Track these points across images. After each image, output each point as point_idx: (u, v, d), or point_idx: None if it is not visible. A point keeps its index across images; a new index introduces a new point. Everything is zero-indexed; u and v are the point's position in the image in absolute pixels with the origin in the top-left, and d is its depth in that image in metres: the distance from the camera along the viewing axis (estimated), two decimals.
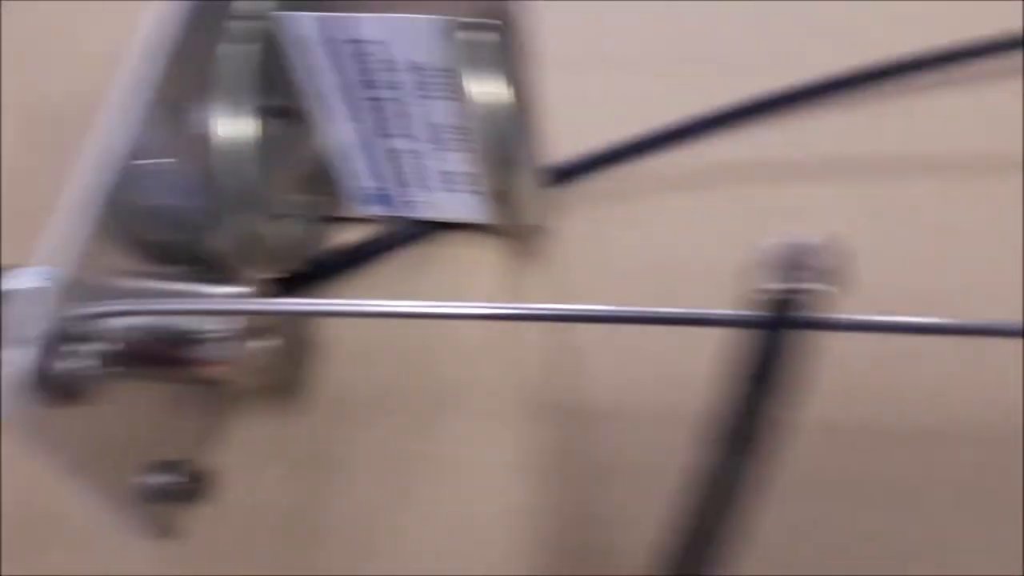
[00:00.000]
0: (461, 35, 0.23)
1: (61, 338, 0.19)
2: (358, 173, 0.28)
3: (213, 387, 0.26)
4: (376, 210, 0.29)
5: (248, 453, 0.26)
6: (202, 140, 0.25)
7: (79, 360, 0.19)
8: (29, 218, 0.31)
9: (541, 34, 0.35)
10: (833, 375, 0.25)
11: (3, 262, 0.23)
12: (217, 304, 0.22)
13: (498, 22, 0.23)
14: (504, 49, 0.24)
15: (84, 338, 0.20)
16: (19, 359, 0.19)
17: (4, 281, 0.23)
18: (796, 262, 0.17)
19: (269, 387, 0.26)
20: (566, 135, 0.32)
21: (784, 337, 0.17)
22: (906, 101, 0.32)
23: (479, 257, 0.30)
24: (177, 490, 0.24)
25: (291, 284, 0.27)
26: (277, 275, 0.26)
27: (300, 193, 0.29)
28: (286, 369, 0.26)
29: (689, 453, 0.25)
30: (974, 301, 0.27)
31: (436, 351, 0.28)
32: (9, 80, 0.36)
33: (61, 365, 0.19)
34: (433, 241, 0.30)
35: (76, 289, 0.20)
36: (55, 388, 0.19)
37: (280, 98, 0.27)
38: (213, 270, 0.26)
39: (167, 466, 0.24)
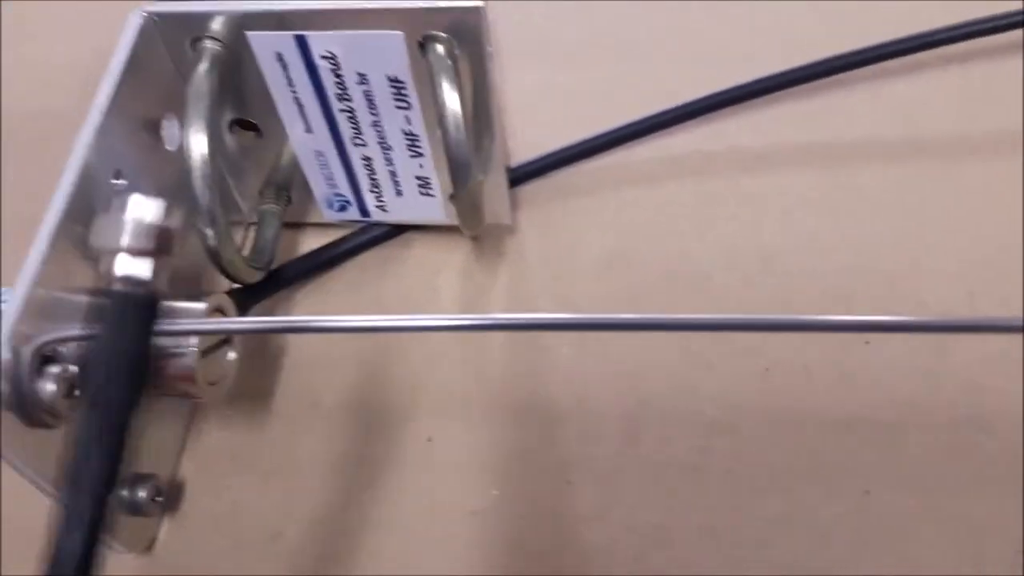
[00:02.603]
0: (431, 47, 0.23)
1: (34, 360, 0.19)
2: (331, 180, 0.28)
3: (179, 399, 0.27)
4: (347, 215, 0.30)
5: (215, 463, 0.27)
6: (171, 155, 0.25)
7: (51, 381, 0.19)
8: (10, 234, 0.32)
9: (505, 31, 0.36)
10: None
11: None
12: (184, 325, 0.22)
13: (465, 33, 0.23)
14: (471, 59, 0.24)
15: (54, 359, 0.20)
16: None
17: None
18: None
19: (235, 396, 0.26)
20: (529, 131, 0.32)
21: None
22: (864, 89, 0.33)
23: (446, 258, 0.30)
24: (148, 503, 0.24)
25: (258, 291, 0.27)
26: (245, 282, 0.26)
27: (264, 202, 0.29)
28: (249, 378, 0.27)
29: (652, 450, 0.26)
30: (935, 285, 0.28)
31: (399, 355, 0.28)
32: None
33: (36, 387, 0.19)
34: (400, 243, 0.31)
35: (41, 309, 0.20)
36: (32, 410, 0.19)
37: (242, 112, 0.27)
38: (189, 283, 0.26)
39: (137, 480, 0.24)
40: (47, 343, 0.19)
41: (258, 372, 0.28)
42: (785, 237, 0.30)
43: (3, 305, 0.20)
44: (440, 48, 0.23)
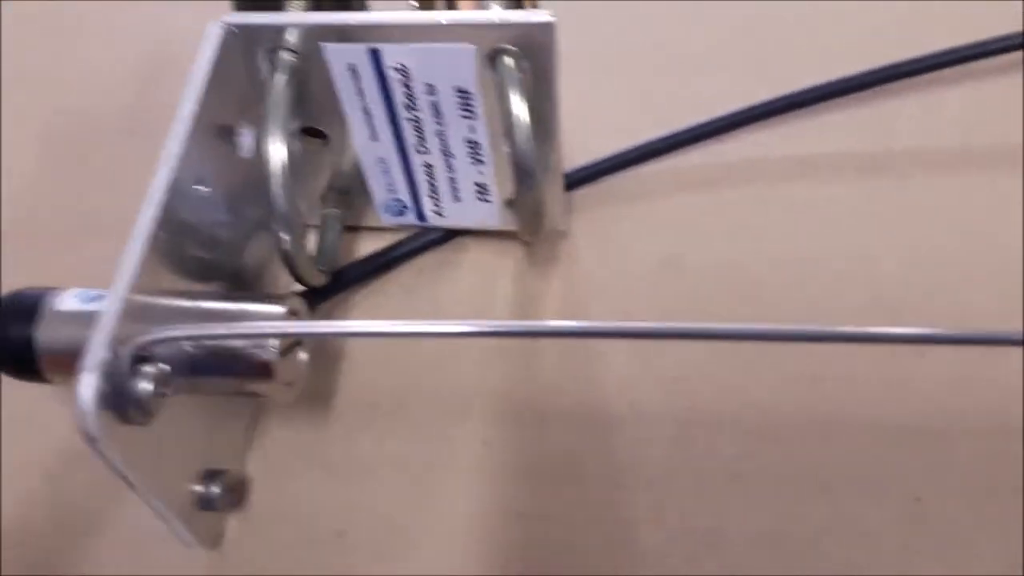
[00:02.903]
0: (500, 60, 0.24)
1: (130, 360, 0.20)
2: (391, 186, 0.29)
3: (248, 397, 0.27)
4: (404, 220, 0.30)
5: (279, 461, 0.27)
6: (246, 162, 0.26)
7: (146, 380, 0.20)
8: (49, 233, 0.33)
9: (561, 36, 0.36)
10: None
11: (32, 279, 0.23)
12: (266, 328, 0.23)
13: (534, 47, 0.24)
14: (537, 70, 0.24)
15: (148, 359, 0.21)
16: (92, 381, 0.19)
17: (55, 301, 0.24)
18: None
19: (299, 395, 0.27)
20: (580, 137, 0.33)
21: None
22: (913, 99, 0.33)
23: (499, 262, 0.31)
24: (220, 499, 0.25)
25: (322, 292, 0.28)
26: (312, 285, 0.27)
27: (326, 207, 0.29)
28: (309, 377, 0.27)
29: (704, 455, 0.27)
30: (982, 294, 0.29)
31: (453, 357, 0.29)
32: (28, 95, 0.37)
33: (132, 386, 0.20)
34: (454, 247, 0.31)
35: (134, 311, 0.21)
36: (127, 407, 0.20)
37: (307, 119, 0.27)
38: (251, 286, 0.27)
39: (212, 475, 0.25)
40: (144, 343, 0.20)
41: (318, 372, 0.28)
42: (835, 245, 0.30)
43: (101, 306, 0.21)
44: (509, 61, 0.24)
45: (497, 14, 0.24)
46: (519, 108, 0.24)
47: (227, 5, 0.26)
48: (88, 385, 0.19)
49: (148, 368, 0.20)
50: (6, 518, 0.27)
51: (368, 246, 0.31)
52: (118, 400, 0.20)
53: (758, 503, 0.26)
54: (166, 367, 0.21)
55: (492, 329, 0.25)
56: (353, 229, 0.31)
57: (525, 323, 0.28)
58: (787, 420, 0.27)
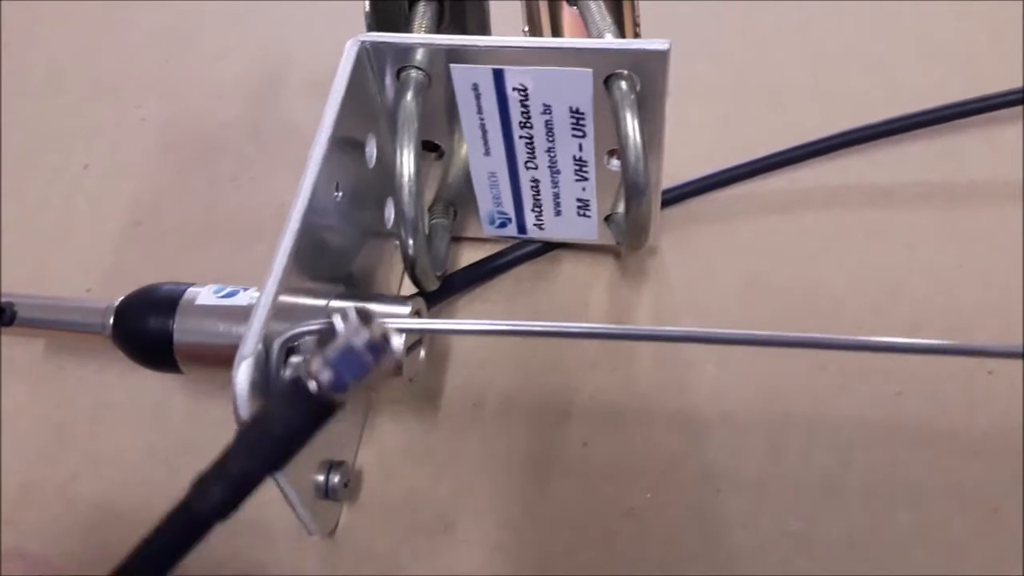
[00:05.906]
0: (616, 83, 0.25)
1: (281, 352, 0.22)
2: (497, 199, 0.30)
3: (365, 393, 0.29)
4: (505, 231, 0.32)
5: (390, 455, 0.29)
6: (366, 171, 0.28)
7: (293, 371, 0.22)
8: (174, 234, 0.35)
9: None
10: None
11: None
12: (411, 324, 0.24)
13: (647, 71, 0.25)
14: (647, 94, 0.26)
15: (294, 351, 0.22)
16: (247, 368, 0.21)
17: (193, 295, 0.26)
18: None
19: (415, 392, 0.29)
20: (669, 160, 0.35)
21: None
22: (977, 135, 0.35)
23: (594, 273, 0.32)
24: (339, 488, 0.26)
25: (432, 297, 0.30)
26: (427, 289, 0.28)
27: (434, 217, 0.31)
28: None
29: (795, 463, 0.28)
30: None
31: (553, 363, 0.30)
32: (151, 103, 0.39)
33: (281, 376, 0.22)
34: (549, 259, 0.33)
35: (281, 310, 0.22)
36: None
37: (425, 134, 0.29)
38: (372, 289, 0.28)
39: (332, 466, 0.26)
40: (296, 335, 0.22)
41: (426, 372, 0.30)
42: (911, 270, 0.32)
43: (241, 300, 0.23)
44: (624, 84, 0.26)
45: (617, 41, 0.25)
46: (633, 128, 0.26)
47: (332, 27, 0.28)
48: (244, 372, 0.21)
49: (295, 359, 0.22)
50: (132, 505, 0.28)
51: (467, 256, 0.33)
52: (266, 388, 0.21)
53: (847, 509, 0.27)
54: (303, 359, 0.22)
55: (625, 332, 0.26)
56: (454, 239, 0.33)
57: (637, 327, 0.29)
58: (873, 432, 0.28)
